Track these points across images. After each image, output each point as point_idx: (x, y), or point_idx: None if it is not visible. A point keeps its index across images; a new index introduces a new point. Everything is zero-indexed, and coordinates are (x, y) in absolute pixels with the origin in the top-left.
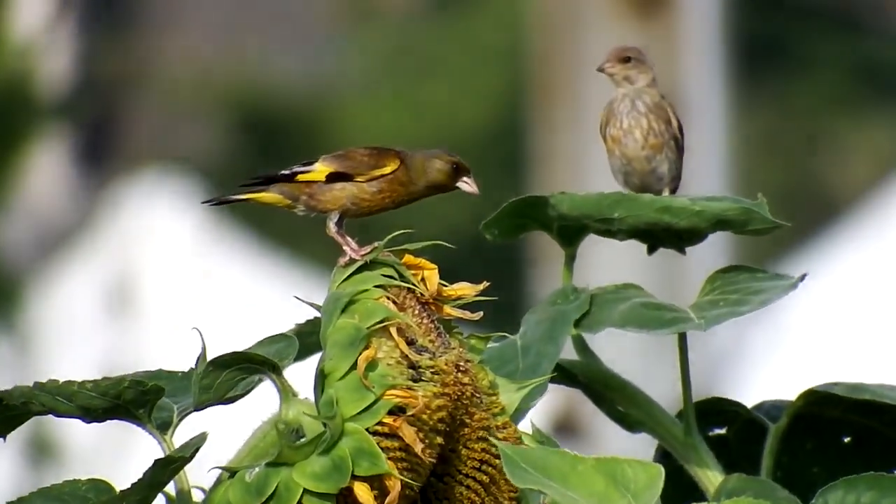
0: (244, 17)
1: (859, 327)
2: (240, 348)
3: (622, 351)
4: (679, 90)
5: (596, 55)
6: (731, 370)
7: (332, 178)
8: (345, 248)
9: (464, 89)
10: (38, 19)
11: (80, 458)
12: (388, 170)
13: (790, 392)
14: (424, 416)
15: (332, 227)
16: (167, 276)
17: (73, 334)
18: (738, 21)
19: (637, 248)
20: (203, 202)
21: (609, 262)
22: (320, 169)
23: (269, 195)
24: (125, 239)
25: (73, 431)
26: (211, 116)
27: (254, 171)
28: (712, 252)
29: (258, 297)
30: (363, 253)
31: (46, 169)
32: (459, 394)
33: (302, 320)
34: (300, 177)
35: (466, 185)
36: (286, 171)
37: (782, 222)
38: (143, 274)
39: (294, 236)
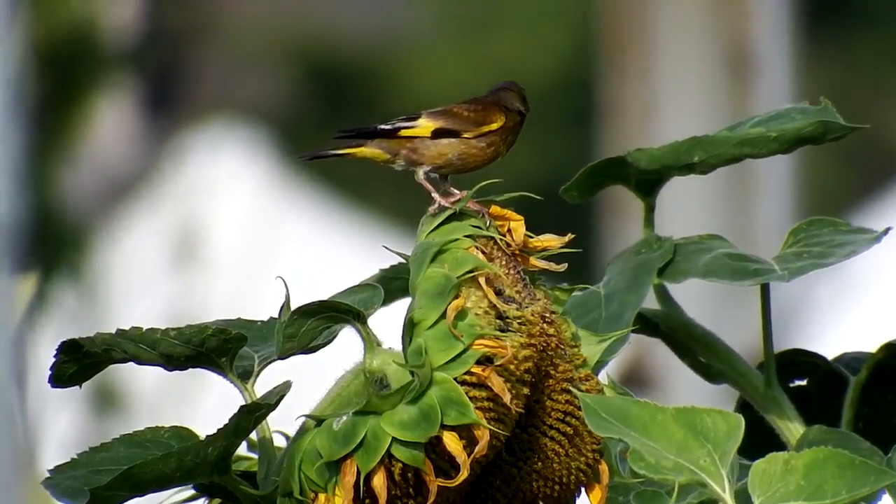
0: None
1: None
2: (311, 298)
3: (702, 299)
4: (746, 42)
5: (665, 6)
6: (800, 322)
7: (439, 133)
8: (434, 195)
9: (530, 40)
10: None
11: (145, 407)
12: (496, 125)
13: (859, 345)
14: (512, 367)
15: (421, 175)
16: (234, 227)
17: (140, 285)
18: None
19: (707, 198)
20: (300, 157)
21: (680, 213)
22: (425, 125)
23: (368, 150)
24: (191, 189)
25: (137, 381)
26: (277, 67)
27: (320, 121)
28: (780, 205)
29: (325, 248)
30: (452, 201)
31: (112, 118)
32: (545, 345)
33: (376, 270)
34: (403, 132)
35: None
36: (387, 126)
37: (859, 125)
38: (209, 224)
39: (362, 188)
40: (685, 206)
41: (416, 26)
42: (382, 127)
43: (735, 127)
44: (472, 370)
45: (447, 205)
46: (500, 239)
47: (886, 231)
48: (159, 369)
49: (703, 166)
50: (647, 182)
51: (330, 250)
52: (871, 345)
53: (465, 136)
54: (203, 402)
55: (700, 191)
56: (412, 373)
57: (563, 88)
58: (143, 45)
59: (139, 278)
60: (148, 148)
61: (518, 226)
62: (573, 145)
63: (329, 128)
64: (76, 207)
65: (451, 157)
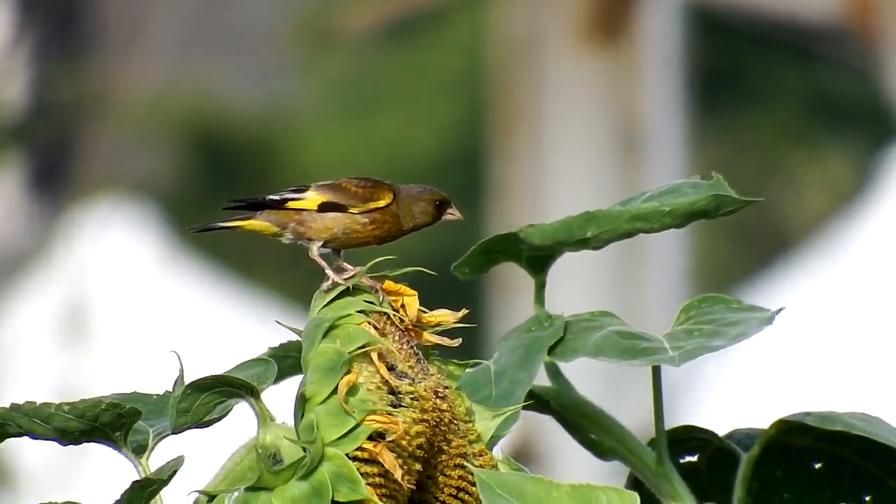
0: (200, 43)
1: (812, 358)
2: (204, 373)
3: (594, 375)
4: (637, 119)
5: (557, 85)
6: (691, 398)
7: (325, 207)
8: (327, 272)
9: (419, 118)
10: None
11: (33, 483)
12: (382, 203)
13: (740, 421)
14: (404, 442)
15: (315, 251)
16: (122, 302)
17: (29, 360)
18: (695, 51)
19: (598, 273)
20: (189, 229)
21: (571, 286)
22: (313, 198)
23: (257, 222)
24: (80, 264)
25: (24, 457)
26: (167, 143)
27: (209, 197)
28: (670, 282)
29: (215, 324)
30: (345, 277)
31: (1, 193)
32: (438, 420)
33: (265, 344)
34: (291, 204)
35: (451, 215)
36: (275, 197)
37: (752, 199)
38: (98, 300)
39: (249, 264)
40: (575, 282)
41: (304, 102)
42: (271, 197)
43: (627, 202)
44: (364, 446)
45: (340, 281)
46: (394, 314)
47: (779, 311)
48: (47, 444)
49: (596, 242)
50: (539, 258)
51: (219, 326)
52: (760, 421)
53: (352, 211)
54: (85, 477)
55: (591, 266)
56: (304, 448)
57: (452, 166)
58: (33, 120)
59: (29, 353)
60: (37, 223)
61: (411, 301)
62: (462, 224)
63: (218, 204)
64: None
65: (337, 231)
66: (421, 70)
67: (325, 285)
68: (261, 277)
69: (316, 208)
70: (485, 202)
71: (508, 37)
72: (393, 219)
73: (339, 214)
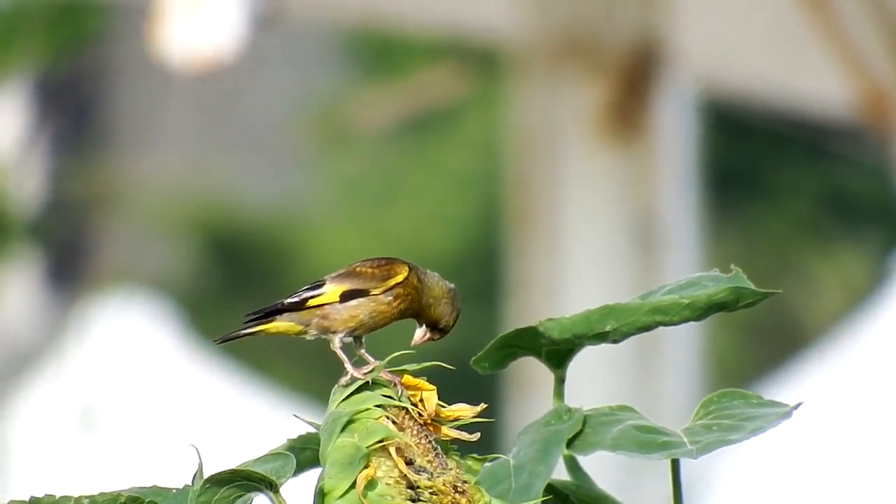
0: (214, 138)
1: (828, 458)
2: (218, 467)
3: (614, 467)
4: (654, 214)
5: (573, 181)
6: (704, 490)
7: (347, 296)
8: (347, 366)
9: (434, 214)
10: (11, 139)
11: None
12: (400, 277)
13: None
14: None
15: (336, 343)
16: (137, 395)
17: (46, 452)
18: (710, 148)
19: (614, 364)
20: (214, 341)
21: (585, 379)
22: (332, 290)
23: (280, 324)
24: (94, 358)
25: None
26: (180, 238)
27: (222, 292)
28: (687, 377)
29: (230, 414)
30: (364, 372)
31: (16, 288)
32: None
33: (282, 436)
34: (312, 301)
35: (422, 332)
36: (294, 299)
37: (772, 290)
38: (112, 392)
39: (263, 358)
40: (593, 376)
41: (318, 197)
42: (289, 300)
43: (647, 295)
44: None
45: (359, 376)
46: (412, 408)
47: (797, 406)
48: None
49: (616, 335)
50: (559, 353)
51: (235, 418)
52: None
53: (374, 292)
54: None
55: (608, 361)
56: None
57: (468, 261)
58: (48, 215)
59: (45, 446)
60: (51, 318)
61: (430, 395)
62: (480, 320)
63: (231, 298)
64: None
65: (363, 317)
66: (436, 166)
67: (343, 380)
68: (275, 372)
69: (338, 299)
70: (501, 297)
71: (523, 132)
72: (414, 291)
73: (363, 300)
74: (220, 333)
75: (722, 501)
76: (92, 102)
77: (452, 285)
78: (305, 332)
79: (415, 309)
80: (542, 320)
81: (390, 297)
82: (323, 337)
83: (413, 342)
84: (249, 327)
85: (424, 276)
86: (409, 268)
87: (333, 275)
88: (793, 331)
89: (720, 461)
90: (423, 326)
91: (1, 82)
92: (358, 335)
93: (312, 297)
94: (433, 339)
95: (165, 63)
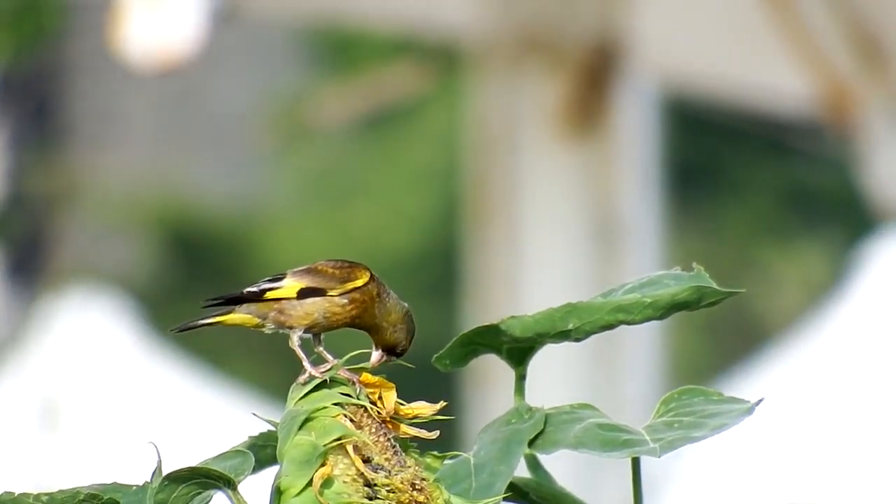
0: (174, 135)
1: (787, 455)
2: (178, 464)
3: (574, 465)
4: (613, 211)
5: (534, 177)
6: (665, 488)
7: (304, 293)
8: (305, 364)
9: (394, 211)
10: None
11: None
12: (360, 282)
13: None
14: None
15: (295, 340)
16: (96, 391)
17: (4, 449)
18: (671, 144)
19: (572, 362)
20: (170, 330)
21: (545, 377)
22: (291, 285)
23: (237, 316)
24: (53, 353)
25: None
26: (141, 234)
27: (182, 288)
28: (646, 375)
29: (190, 410)
30: (322, 371)
31: None
32: None
33: (242, 433)
34: (270, 294)
35: (378, 354)
36: (253, 289)
37: (735, 290)
38: (71, 388)
39: (223, 353)
40: (553, 374)
41: (278, 194)
42: (250, 290)
43: (608, 293)
44: None
45: (317, 374)
46: (371, 406)
47: (759, 402)
48: None
49: (578, 333)
50: (520, 350)
51: (195, 414)
52: None
53: (331, 294)
54: None
55: (566, 359)
56: None
57: (427, 257)
58: (8, 212)
59: (4, 443)
60: (11, 314)
61: (389, 393)
62: (438, 315)
63: (191, 294)
64: None
65: (318, 316)
66: (396, 162)
67: (301, 378)
68: (235, 368)
69: (295, 295)
70: (461, 293)
71: (483, 128)
72: (371, 300)
73: (318, 299)
74: None
75: (683, 497)
76: (52, 99)
77: (407, 305)
78: (263, 326)
79: (367, 322)
80: (504, 318)
81: (345, 301)
82: (280, 331)
83: (370, 364)
84: (208, 317)
85: (385, 293)
86: (372, 277)
87: (296, 270)
88: (753, 327)
89: (680, 457)
90: (379, 350)
91: None
92: (315, 333)
93: (271, 289)
94: (388, 362)
95: (126, 60)
